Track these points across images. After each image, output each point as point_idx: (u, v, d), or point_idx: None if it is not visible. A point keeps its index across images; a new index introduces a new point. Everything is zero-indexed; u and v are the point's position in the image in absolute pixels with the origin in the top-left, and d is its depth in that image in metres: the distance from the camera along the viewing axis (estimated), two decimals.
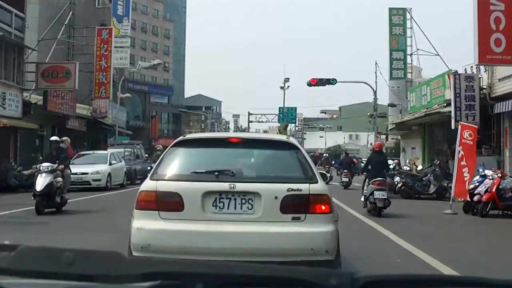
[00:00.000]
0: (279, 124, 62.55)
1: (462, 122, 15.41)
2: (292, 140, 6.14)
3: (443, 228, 11.96)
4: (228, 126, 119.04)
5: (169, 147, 5.85)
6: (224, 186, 5.08)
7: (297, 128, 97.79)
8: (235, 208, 5.10)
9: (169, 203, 5.11)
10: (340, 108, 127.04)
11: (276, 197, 5.05)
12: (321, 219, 5.11)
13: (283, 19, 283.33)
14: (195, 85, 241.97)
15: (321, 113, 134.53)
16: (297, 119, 66.64)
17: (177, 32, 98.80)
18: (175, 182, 5.27)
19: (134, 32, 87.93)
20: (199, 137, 6.89)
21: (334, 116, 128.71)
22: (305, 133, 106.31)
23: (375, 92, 31.32)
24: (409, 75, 32.05)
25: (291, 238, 5.04)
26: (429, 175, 20.36)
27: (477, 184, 14.13)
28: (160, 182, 5.22)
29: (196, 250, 4.89)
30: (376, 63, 33.08)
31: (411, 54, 31.52)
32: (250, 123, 62.57)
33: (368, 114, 37.54)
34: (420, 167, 21.45)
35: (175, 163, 5.55)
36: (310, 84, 30.96)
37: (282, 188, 5.09)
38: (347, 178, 25.65)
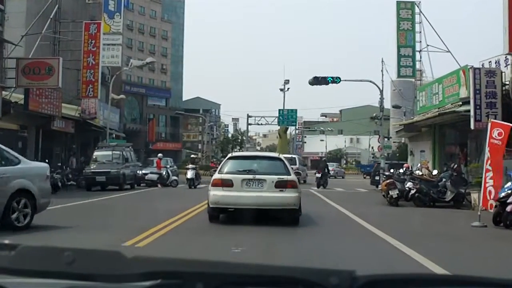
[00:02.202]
0: (279, 127, 60.80)
1: (493, 120, 13.38)
2: (281, 156, 13.14)
3: (478, 247, 9.91)
4: (227, 130, 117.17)
5: (225, 159, 13.03)
6: (250, 176, 11.62)
7: (297, 132, 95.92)
8: (255, 186, 11.57)
9: (226, 184, 11.54)
10: (340, 111, 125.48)
11: (272, 181, 11.51)
12: (292, 190, 11.60)
13: (283, 19, 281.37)
14: (193, 88, 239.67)
15: (321, 116, 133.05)
16: (297, 122, 64.36)
17: (175, 34, 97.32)
18: (229, 174, 11.75)
19: (131, 33, 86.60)
20: (239, 155, 15.15)
21: (335, 119, 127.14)
22: (305, 137, 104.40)
23: (381, 91, 29.29)
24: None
25: (279, 199, 11.48)
26: (445, 180, 18.38)
27: (509, 192, 12.16)
28: (222, 174, 11.77)
29: (238, 203, 11.52)
30: (382, 61, 30.99)
31: (420, 51, 29.53)
32: (249, 126, 60.42)
33: (374, 114, 35.53)
34: (435, 172, 19.43)
35: (228, 166, 12.11)
36: (312, 82, 28.96)
37: (275, 177, 11.60)
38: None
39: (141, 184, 29.84)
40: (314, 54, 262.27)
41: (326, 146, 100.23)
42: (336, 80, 28.70)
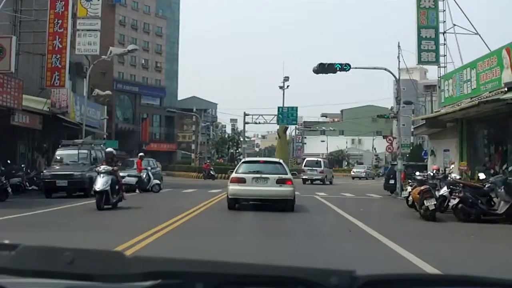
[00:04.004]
0: (278, 127, 56.67)
1: None
2: (281, 161, 17.69)
3: None
4: (225, 130, 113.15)
5: (240, 163, 18.64)
6: (258, 175, 15.85)
7: (297, 132, 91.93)
8: (261, 182, 15.72)
9: (241, 180, 15.77)
10: (342, 111, 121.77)
11: (274, 179, 15.67)
12: (288, 186, 15.79)
13: (282, 15, 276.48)
14: (189, 87, 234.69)
15: (322, 116, 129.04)
16: (297, 121, 60.08)
17: (170, 30, 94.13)
18: (243, 174, 16.04)
19: (124, 29, 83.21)
20: (250, 160, 19.25)
21: (336, 119, 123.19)
22: (305, 138, 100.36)
23: (397, 81, 25.00)
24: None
25: (279, 192, 15.64)
26: (492, 186, 14.11)
27: None
28: (238, 174, 16.14)
29: (249, 195, 15.89)
30: (398, 46, 26.56)
31: (444, 32, 25.22)
32: (247, 125, 56.07)
33: (391, 107, 31.24)
34: (482, 176, 15.04)
35: (242, 168, 16.65)
36: (317, 70, 24.72)
37: (276, 176, 15.81)
38: None
39: None
40: (315, 53, 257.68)
41: (327, 147, 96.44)
42: (345, 67, 24.46)
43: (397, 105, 25.25)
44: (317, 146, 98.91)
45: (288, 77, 60.25)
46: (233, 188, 15.69)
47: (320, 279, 1.28)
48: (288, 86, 60.07)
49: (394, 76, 25.22)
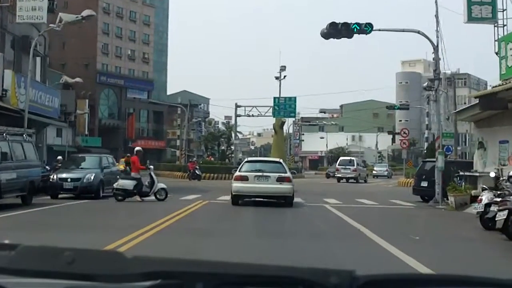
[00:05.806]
0: (274, 122, 50.62)
1: None
2: (281, 160, 19.82)
3: None
4: (218, 127, 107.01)
5: (243, 162, 19.43)
6: (260, 174, 17.21)
7: (295, 128, 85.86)
8: (263, 180, 17.05)
9: (243, 178, 17.14)
10: (341, 106, 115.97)
11: (275, 177, 17.07)
12: (288, 183, 17.26)
13: (282, 12, 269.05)
14: (179, 81, 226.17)
15: (320, 112, 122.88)
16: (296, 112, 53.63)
17: (159, 19, 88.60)
18: (246, 172, 17.40)
19: (108, 17, 77.07)
20: (252, 159, 21.02)
21: (335, 115, 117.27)
22: (303, 134, 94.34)
23: (435, 47, 18.29)
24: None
25: (279, 189, 17.08)
26: None
27: None
28: (241, 172, 17.52)
29: (252, 192, 17.12)
30: (436, 2, 19.94)
31: None
32: (238, 118, 49.60)
33: (426, 82, 24.56)
34: None
35: (245, 166, 18.04)
36: (326, 33, 18.11)
37: (276, 174, 17.22)
38: None
39: (59, 196, 19.13)
40: (314, 49, 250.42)
41: (326, 144, 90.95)
42: (365, 28, 17.83)
43: (435, 80, 18.54)
44: (316, 143, 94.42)
45: (285, 66, 53.92)
46: (237, 185, 17.10)
47: (320, 279, 1.29)
48: (285, 76, 53.73)
49: (431, 41, 18.48)
